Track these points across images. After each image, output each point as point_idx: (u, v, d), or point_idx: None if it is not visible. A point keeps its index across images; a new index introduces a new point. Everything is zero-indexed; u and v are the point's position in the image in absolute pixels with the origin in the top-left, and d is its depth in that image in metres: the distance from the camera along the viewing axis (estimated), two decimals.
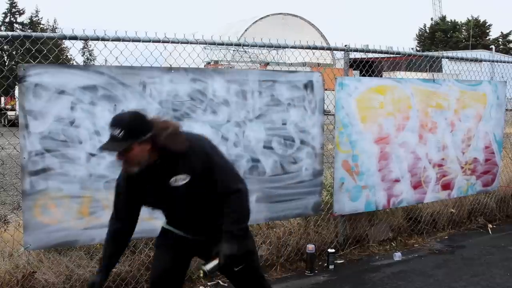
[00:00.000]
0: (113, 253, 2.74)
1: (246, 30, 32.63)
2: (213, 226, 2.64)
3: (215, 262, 2.50)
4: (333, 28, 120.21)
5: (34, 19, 44.64)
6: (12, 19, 43.59)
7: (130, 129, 2.39)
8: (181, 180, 2.54)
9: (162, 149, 2.47)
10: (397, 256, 4.99)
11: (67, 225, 3.57)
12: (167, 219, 2.79)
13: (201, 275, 2.53)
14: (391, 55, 6.10)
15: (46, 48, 3.78)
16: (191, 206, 2.62)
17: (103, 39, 3.76)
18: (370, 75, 5.75)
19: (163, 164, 2.52)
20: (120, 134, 2.37)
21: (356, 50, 5.09)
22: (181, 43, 4.03)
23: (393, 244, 5.30)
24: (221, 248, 2.48)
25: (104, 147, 2.46)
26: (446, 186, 5.60)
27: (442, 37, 59.40)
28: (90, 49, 39.01)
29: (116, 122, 2.43)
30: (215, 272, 2.55)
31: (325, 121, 4.79)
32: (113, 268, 2.92)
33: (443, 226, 5.83)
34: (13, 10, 43.42)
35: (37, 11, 46.08)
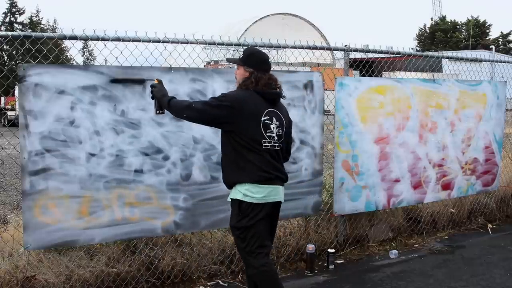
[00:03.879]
0: None
1: (246, 30, 32.59)
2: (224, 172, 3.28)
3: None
4: (333, 28, 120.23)
5: (34, 19, 44.52)
6: (12, 19, 43.50)
7: (243, 55, 3.28)
8: None
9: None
10: (393, 254, 4.99)
11: (67, 225, 3.57)
12: None
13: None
14: (391, 55, 6.10)
15: (46, 48, 3.77)
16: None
17: (103, 39, 3.75)
18: (370, 75, 5.75)
19: None
20: (240, 56, 3.32)
21: (356, 50, 5.09)
22: (181, 43, 4.03)
23: (393, 244, 5.30)
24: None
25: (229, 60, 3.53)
26: (446, 186, 5.60)
27: (442, 37, 59.40)
28: (90, 49, 38.95)
29: (245, 49, 3.40)
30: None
31: (325, 121, 4.79)
32: None
33: (443, 226, 5.83)
34: (13, 10, 43.33)
35: (37, 11, 45.90)
